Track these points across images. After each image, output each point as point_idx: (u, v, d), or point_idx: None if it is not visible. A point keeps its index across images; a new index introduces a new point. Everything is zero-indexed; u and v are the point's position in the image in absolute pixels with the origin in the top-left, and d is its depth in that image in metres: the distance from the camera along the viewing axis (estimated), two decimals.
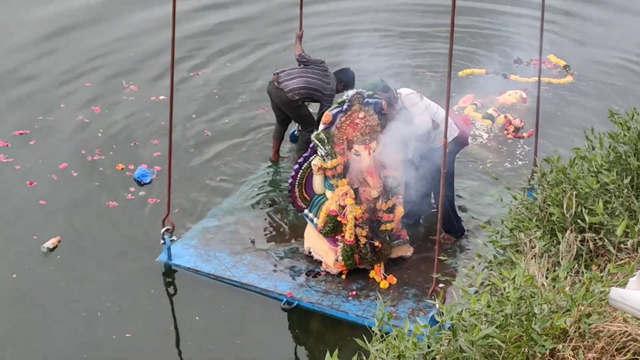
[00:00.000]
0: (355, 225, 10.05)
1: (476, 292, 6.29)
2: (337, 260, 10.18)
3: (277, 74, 11.65)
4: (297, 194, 10.24)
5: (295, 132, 12.49)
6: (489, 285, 6.61)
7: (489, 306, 5.80)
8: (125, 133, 12.97)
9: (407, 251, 10.52)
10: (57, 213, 11.36)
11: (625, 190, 6.96)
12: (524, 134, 12.74)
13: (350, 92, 9.96)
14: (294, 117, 11.92)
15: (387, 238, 10.23)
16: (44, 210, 11.41)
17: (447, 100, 8.34)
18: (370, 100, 9.96)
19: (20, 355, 9.37)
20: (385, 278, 10.18)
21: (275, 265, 10.39)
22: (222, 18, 16.50)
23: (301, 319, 9.88)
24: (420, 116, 10.16)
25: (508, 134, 12.90)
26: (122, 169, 12.06)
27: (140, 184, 11.81)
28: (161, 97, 13.77)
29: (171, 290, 10.28)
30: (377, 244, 10.15)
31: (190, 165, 12.25)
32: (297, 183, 10.19)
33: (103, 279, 10.33)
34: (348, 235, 10.02)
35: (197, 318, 9.89)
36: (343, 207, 9.99)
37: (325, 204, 10.10)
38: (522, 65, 14.69)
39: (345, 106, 9.91)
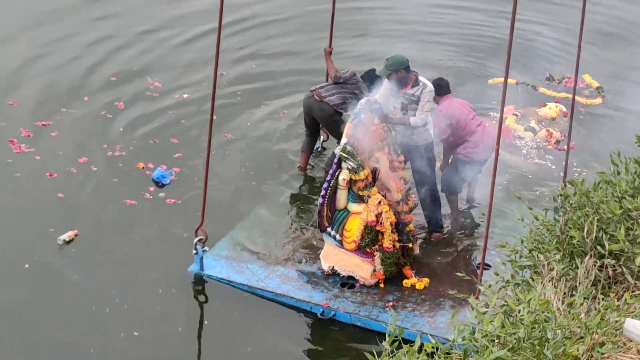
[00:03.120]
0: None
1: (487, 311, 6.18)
2: (374, 271, 10.11)
3: (317, 89, 11.63)
4: (324, 213, 10.13)
5: (319, 148, 12.43)
6: (504, 305, 6.49)
7: (503, 327, 5.69)
8: (147, 130, 12.92)
9: (417, 249, 10.52)
10: (75, 206, 11.34)
11: None
12: (564, 147, 12.62)
13: (362, 101, 9.99)
14: (331, 132, 11.90)
15: (412, 238, 10.32)
16: (62, 202, 11.39)
17: (501, 105, 8.53)
18: (376, 106, 10.00)
19: (26, 345, 9.35)
20: (419, 279, 10.21)
21: (309, 277, 10.31)
22: (250, 23, 16.40)
23: (316, 328, 9.82)
24: (422, 114, 10.37)
25: (549, 145, 12.83)
26: (143, 167, 12.00)
27: (158, 185, 11.75)
28: (185, 96, 13.75)
29: (182, 291, 10.19)
30: (410, 245, 10.22)
31: (214, 170, 12.14)
32: (326, 202, 10.09)
33: (116, 276, 10.29)
34: (388, 242, 9.96)
35: (205, 322, 9.85)
36: (378, 216, 9.91)
37: (361, 217, 9.98)
38: (554, 83, 14.55)
39: (362, 116, 9.87)
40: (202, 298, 10.18)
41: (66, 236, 10.71)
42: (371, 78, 11.40)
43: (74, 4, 16.59)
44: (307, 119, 11.90)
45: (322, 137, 12.42)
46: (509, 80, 14.14)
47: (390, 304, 9.91)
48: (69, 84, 14.01)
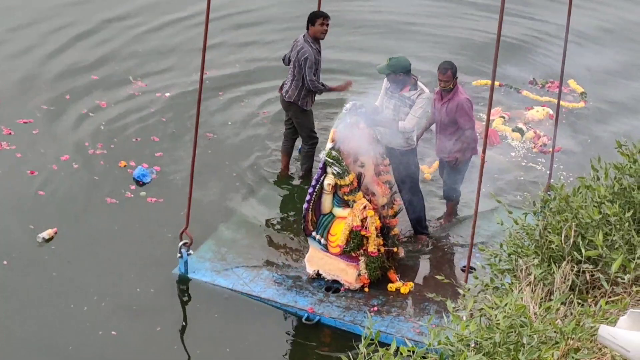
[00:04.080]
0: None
1: (471, 315, 6.17)
2: (359, 275, 10.10)
3: (280, 87, 11.66)
4: (309, 217, 10.11)
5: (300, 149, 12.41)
6: (482, 309, 6.48)
7: (479, 331, 5.68)
8: (129, 129, 12.85)
9: (401, 253, 10.49)
10: (55, 204, 11.31)
11: (627, 224, 6.83)
12: (550, 150, 12.63)
13: (348, 105, 9.96)
14: (297, 126, 11.79)
15: (397, 242, 10.31)
16: (42, 200, 11.36)
17: (488, 109, 8.53)
18: (361, 110, 9.97)
19: (3, 341, 9.34)
20: (403, 283, 10.20)
21: (294, 281, 10.29)
22: (234, 20, 16.33)
23: (299, 329, 9.81)
24: (414, 120, 10.34)
25: (535, 147, 12.84)
26: (125, 166, 11.96)
27: (139, 183, 11.70)
28: (167, 94, 13.68)
29: (161, 290, 10.16)
30: (395, 249, 10.23)
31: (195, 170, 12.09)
32: (311, 207, 10.07)
33: (95, 274, 10.27)
34: (372, 247, 9.97)
35: (184, 323, 9.82)
36: (363, 221, 9.91)
37: (346, 221, 9.97)
38: (537, 87, 14.55)
39: (347, 120, 9.85)
40: (182, 297, 10.15)
41: (46, 234, 10.68)
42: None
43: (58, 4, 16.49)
44: (286, 118, 11.90)
45: None
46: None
47: (375, 308, 9.91)
48: (51, 81, 13.92)
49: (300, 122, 11.63)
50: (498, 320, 5.60)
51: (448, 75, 10.39)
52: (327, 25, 11.31)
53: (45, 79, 13.96)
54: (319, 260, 10.23)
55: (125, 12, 16.28)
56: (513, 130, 13.11)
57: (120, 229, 10.97)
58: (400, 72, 10.24)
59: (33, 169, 11.82)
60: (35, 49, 14.83)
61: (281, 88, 11.62)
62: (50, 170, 11.84)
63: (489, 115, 8.74)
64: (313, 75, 11.21)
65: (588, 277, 6.60)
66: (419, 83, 10.41)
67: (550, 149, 12.37)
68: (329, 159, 9.83)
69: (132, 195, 11.48)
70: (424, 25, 16.21)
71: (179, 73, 14.31)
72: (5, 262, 10.31)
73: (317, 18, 11.24)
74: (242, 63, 14.84)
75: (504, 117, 13.42)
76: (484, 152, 8.66)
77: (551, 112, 13.48)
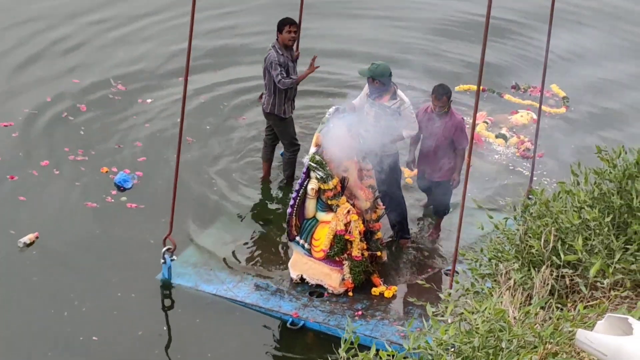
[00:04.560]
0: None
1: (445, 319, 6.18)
2: (343, 279, 10.11)
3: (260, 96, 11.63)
4: (293, 222, 10.11)
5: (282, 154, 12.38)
6: (461, 314, 6.49)
7: (457, 335, 5.69)
8: (109, 134, 12.81)
9: (385, 257, 10.51)
10: (36, 209, 11.27)
11: (606, 229, 6.84)
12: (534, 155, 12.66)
13: (331, 109, 9.97)
14: (278, 134, 11.76)
15: (380, 246, 10.33)
16: (23, 205, 11.32)
17: (474, 114, 8.57)
18: (344, 115, 10.00)
19: None
20: (387, 287, 10.23)
21: (278, 285, 10.28)
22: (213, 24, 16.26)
23: (283, 333, 9.82)
24: (416, 125, 10.46)
25: (518, 152, 12.88)
26: (107, 171, 11.93)
27: (121, 189, 11.67)
28: (148, 100, 13.63)
29: (143, 295, 10.14)
30: (379, 254, 10.24)
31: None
32: (294, 212, 10.07)
33: (76, 279, 10.26)
34: (356, 251, 9.98)
35: (166, 327, 9.84)
36: (346, 225, 9.91)
37: (330, 226, 9.98)
38: (519, 92, 14.58)
39: (331, 124, 9.86)
40: (164, 302, 10.15)
41: (27, 239, 10.66)
42: None
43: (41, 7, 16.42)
44: (266, 125, 11.90)
45: None
46: (475, 87, 14.17)
47: (360, 312, 9.92)
48: (32, 85, 13.86)
49: (280, 131, 11.62)
50: (477, 324, 5.60)
51: (444, 101, 10.41)
52: (295, 32, 11.28)
53: (26, 82, 13.91)
54: (303, 265, 10.23)
55: (105, 14, 16.25)
56: (497, 137, 13.14)
57: (102, 234, 10.96)
58: (378, 79, 10.26)
59: (13, 173, 11.79)
60: (14, 51, 14.79)
61: (261, 97, 11.61)
62: (31, 176, 11.81)
63: (474, 120, 8.76)
64: (281, 75, 11.18)
65: (568, 282, 6.61)
66: (399, 92, 10.44)
67: (537, 154, 12.43)
68: (312, 164, 9.83)
69: (113, 201, 11.45)
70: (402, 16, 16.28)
71: (160, 76, 14.26)
72: None
73: (284, 25, 11.22)
74: (221, 67, 14.80)
75: (487, 123, 13.44)
76: (469, 157, 8.68)
77: (535, 116, 13.50)
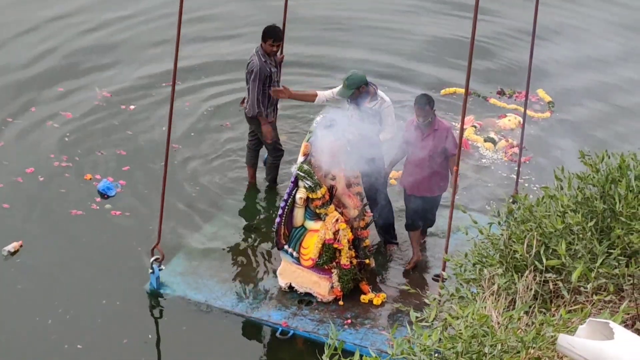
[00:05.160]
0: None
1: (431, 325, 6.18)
2: (332, 287, 10.11)
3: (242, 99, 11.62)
4: (282, 231, 10.10)
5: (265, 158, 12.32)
6: (445, 319, 6.49)
7: (440, 340, 5.69)
8: (94, 141, 12.74)
9: (373, 263, 10.48)
10: (20, 217, 11.25)
11: (589, 233, 6.86)
12: (523, 159, 12.68)
13: (318, 118, 9.97)
14: (262, 139, 11.69)
15: (368, 253, 10.30)
16: (7, 213, 11.30)
17: (462, 119, 8.60)
18: (331, 124, 9.96)
19: None
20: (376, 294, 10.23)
21: (266, 294, 10.28)
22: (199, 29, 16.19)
23: (272, 341, 9.84)
24: (393, 128, 10.49)
25: (506, 157, 12.89)
26: (90, 179, 11.89)
27: (104, 196, 11.64)
28: (131, 107, 13.53)
29: (127, 303, 10.13)
30: (367, 261, 10.21)
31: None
32: (283, 221, 10.06)
33: (60, 287, 10.25)
34: (345, 259, 9.98)
35: (151, 335, 9.82)
36: (335, 234, 9.91)
37: (319, 234, 9.96)
38: (505, 97, 14.59)
39: (318, 134, 9.87)
40: (150, 310, 10.13)
41: (11, 247, 10.66)
42: None
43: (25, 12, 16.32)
44: (250, 130, 11.87)
45: None
46: (460, 90, 14.17)
47: (349, 321, 9.93)
48: (15, 93, 13.75)
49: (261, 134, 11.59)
50: (460, 330, 5.61)
51: (427, 110, 10.22)
52: (277, 47, 11.24)
53: (9, 90, 13.83)
54: (291, 274, 10.22)
55: (84, 17, 16.13)
56: (485, 140, 13.15)
57: (86, 241, 10.94)
58: (361, 85, 10.31)
59: None
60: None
61: (243, 101, 11.60)
62: (15, 183, 11.78)
63: (462, 125, 8.76)
64: (260, 88, 11.11)
65: (551, 287, 6.63)
66: (379, 92, 10.49)
67: (524, 158, 12.45)
68: (300, 173, 9.84)
69: (98, 208, 11.43)
70: (389, 22, 16.22)
71: (143, 83, 14.19)
72: None
73: (268, 39, 11.14)
74: (207, 73, 14.74)
75: (475, 127, 13.46)
76: (457, 164, 8.68)
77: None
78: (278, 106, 11.63)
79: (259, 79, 11.07)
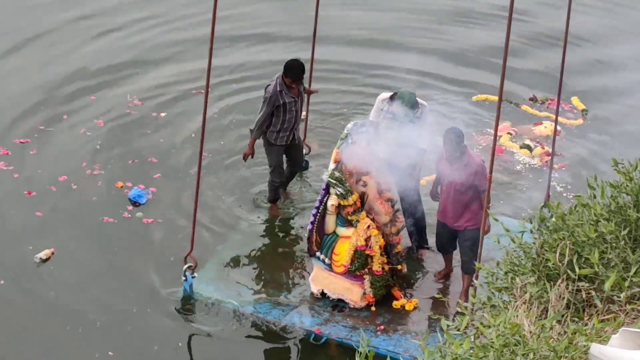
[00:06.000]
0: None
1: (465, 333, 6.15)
2: (364, 293, 10.11)
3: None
4: (313, 238, 10.10)
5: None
6: (477, 327, 6.46)
7: (472, 349, 5.66)
8: (126, 149, 12.77)
9: (405, 269, 10.45)
10: (53, 225, 11.31)
11: (623, 242, 6.81)
12: (558, 165, 12.62)
13: (350, 125, 9.97)
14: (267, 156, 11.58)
15: (400, 259, 10.30)
16: (40, 220, 11.35)
17: (495, 126, 8.53)
18: (364, 129, 9.98)
19: None
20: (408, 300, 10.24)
21: (299, 300, 10.28)
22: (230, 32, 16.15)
23: (304, 347, 9.85)
24: (429, 136, 10.50)
25: (542, 163, 12.85)
26: (122, 186, 11.93)
27: (135, 204, 11.67)
28: (162, 114, 13.54)
29: (158, 310, 10.16)
30: (399, 267, 10.22)
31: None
32: (314, 228, 10.06)
33: (92, 294, 10.29)
34: (377, 266, 9.99)
35: (180, 344, 9.83)
36: (367, 240, 9.91)
37: (350, 241, 9.96)
38: (537, 104, 14.51)
39: (350, 140, 9.86)
40: (178, 317, 10.12)
41: (43, 254, 10.71)
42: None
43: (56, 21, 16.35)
44: None
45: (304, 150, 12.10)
46: (493, 98, 14.10)
47: (382, 327, 9.93)
48: (48, 101, 13.77)
49: (267, 154, 11.45)
50: (492, 338, 5.57)
51: (454, 146, 9.94)
52: (296, 86, 11.08)
53: (43, 98, 13.84)
54: (324, 280, 10.23)
55: (120, 23, 16.17)
56: (521, 147, 13.13)
57: (117, 249, 10.98)
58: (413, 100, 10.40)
59: (30, 189, 11.82)
60: (30, 67, 14.69)
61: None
62: (48, 191, 11.82)
63: (496, 132, 8.69)
64: (268, 114, 11.01)
65: (584, 295, 6.58)
66: (418, 99, 10.51)
67: (559, 165, 12.38)
68: (332, 180, 9.84)
69: (130, 216, 11.46)
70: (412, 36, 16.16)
71: (175, 91, 14.18)
72: (2, 282, 10.34)
73: (287, 77, 10.99)
74: (240, 81, 14.73)
75: (511, 134, 13.42)
76: (490, 172, 8.63)
77: (559, 128, 13.40)
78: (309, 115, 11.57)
79: (269, 105, 10.98)
